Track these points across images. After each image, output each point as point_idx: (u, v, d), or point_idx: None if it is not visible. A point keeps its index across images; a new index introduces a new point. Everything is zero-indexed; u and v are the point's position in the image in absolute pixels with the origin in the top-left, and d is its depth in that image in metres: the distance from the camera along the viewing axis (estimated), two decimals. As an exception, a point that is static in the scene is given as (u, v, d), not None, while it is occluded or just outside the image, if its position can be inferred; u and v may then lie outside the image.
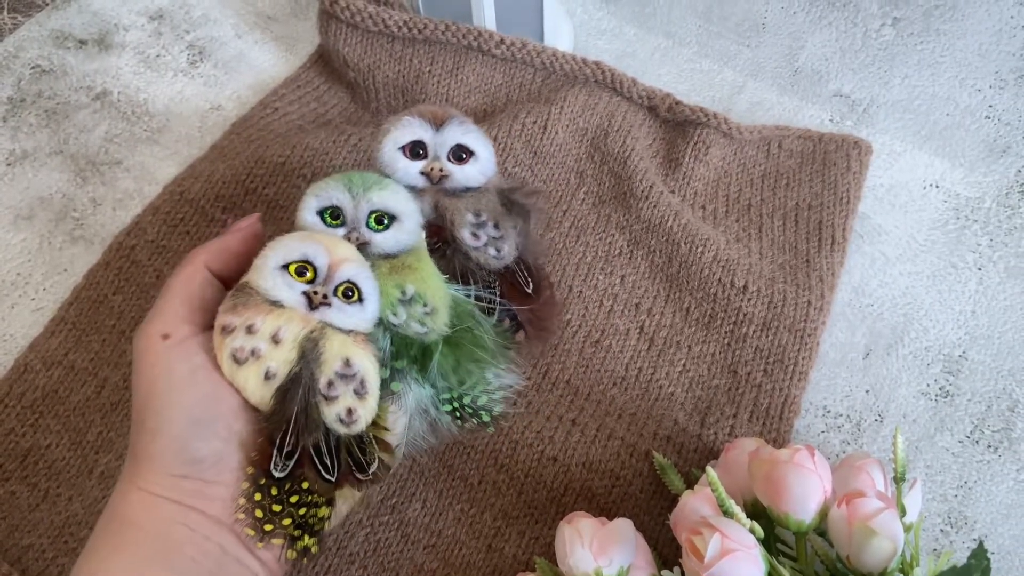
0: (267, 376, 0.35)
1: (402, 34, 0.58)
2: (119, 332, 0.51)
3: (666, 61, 0.66)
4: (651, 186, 0.55)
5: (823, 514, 0.38)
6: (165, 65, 0.65)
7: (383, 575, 0.45)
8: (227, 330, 0.36)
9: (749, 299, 0.51)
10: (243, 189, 0.55)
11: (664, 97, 0.58)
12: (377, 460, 0.37)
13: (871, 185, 0.58)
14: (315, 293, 0.36)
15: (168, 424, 0.35)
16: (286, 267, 0.36)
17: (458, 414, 0.41)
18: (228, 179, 0.55)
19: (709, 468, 0.37)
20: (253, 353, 0.35)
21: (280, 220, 0.54)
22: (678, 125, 0.58)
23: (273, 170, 0.55)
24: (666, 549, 0.45)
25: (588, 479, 0.46)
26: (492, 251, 0.42)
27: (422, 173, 0.43)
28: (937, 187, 0.59)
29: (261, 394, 0.36)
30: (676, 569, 0.40)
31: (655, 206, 0.54)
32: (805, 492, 0.38)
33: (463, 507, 0.46)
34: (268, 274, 0.36)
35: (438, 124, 0.43)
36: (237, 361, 0.35)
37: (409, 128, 0.43)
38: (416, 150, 0.43)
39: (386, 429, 0.38)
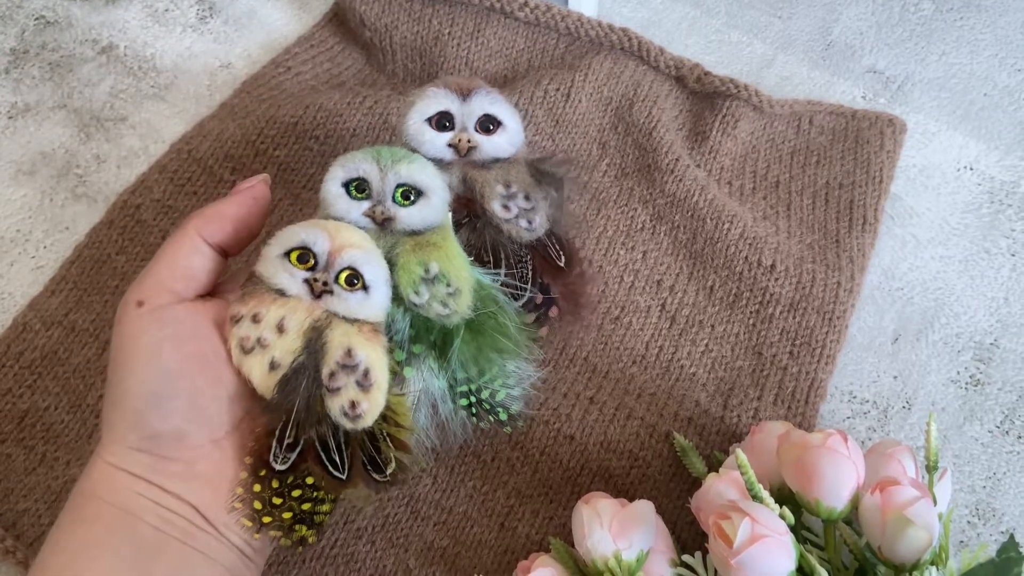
0: (272, 366, 0.35)
1: (422, -7, 0.56)
2: (121, 293, 0.48)
3: (693, 31, 0.63)
4: (676, 159, 0.53)
5: (855, 502, 0.37)
6: (174, 20, 0.62)
7: (391, 551, 0.43)
8: (235, 319, 0.35)
9: (776, 279, 0.49)
10: (253, 150, 0.52)
11: (693, 67, 0.56)
12: (393, 460, 0.35)
13: (903, 165, 0.56)
14: (315, 280, 0.35)
15: (126, 396, 0.34)
16: (288, 255, 0.36)
17: (474, 410, 0.39)
18: (238, 139, 0.53)
19: (739, 451, 0.35)
20: (259, 342, 0.35)
21: (291, 183, 0.52)
22: (706, 97, 0.56)
23: (285, 131, 0.53)
24: (684, 533, 0.43)
25: (606, 459, 0.45)
26: (524, 223, 0.41)
27: (449, 145, 0.42)
28: (971, 169, 0.57)
29: (267, 384, 0.35)
30: (698, 554, 0.39)
31: (680, 180, 0.52)
32: (838, 478, 0.36)
33: (475, 484, 0.45)
34: (270, 262, 0.36)
35: (464, 94, 0.42)
36: (243, 350, 0.35)
37: (435, 99, 0.41)
38: (443, 122, 0.42)
39: (403, 427, 0.36)
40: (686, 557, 0.39)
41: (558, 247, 0.42)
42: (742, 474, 0.35)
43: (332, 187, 0.38)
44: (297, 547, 0.36)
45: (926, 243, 0.54)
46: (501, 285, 0.40)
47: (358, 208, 0.38)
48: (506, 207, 0.41)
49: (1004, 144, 0.57)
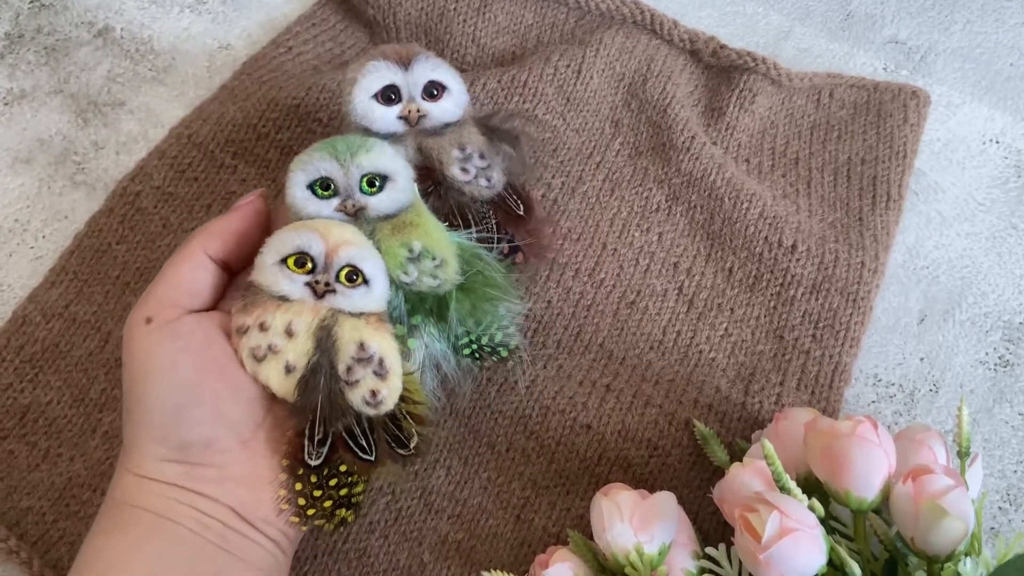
0: (288, 370, 0.35)
1: (426, -33, 0.54)
2: (123, 284, 0.48)
3: (707, 3, 0.61)
4: (692, 137, 0.51)
5: (886, 491, 0.35)
6: (171, 0, 0.60)
7: (405, 545, 0.42)
8: (242, 330, 0.36)
9: (798, 259, 0.48)
10: (255, 133, 0.51)
11: (708, 40, 0.54)
12: (415, 434, 0.37)
13: (927, 139, 0.54)
14: (316, 283, 0.36)
15: (151, 413, 0.34)
16: (284, 261, 0.36)
17: (477, 355, 0.41)
18: (239, 122, 0.51)
19: (765, 440, 0.34)
20: (270, 349, 0.35)
21: (294, 167, 0.51)
22: (722, 71, 0.54)
23: (287, 113, 0.51)
24: (706, 524, 0.42)
25: (624, 448, 0.43)
26: (483, 182, 0.42)
27: (399, 117, 0.42)
28: (997, 142, 0.55)
29: (286, 387, 0.36)
30: (721, 547, 0.38)
31: (697, 158, 0.51)
32: (868, 468, 0.35)
33: (490, 475, 0.43)
34: (268, 271, 0.36)
35: (406, 63, 0.42)
36: (256, 359, 0.35)
37: (378, 73, 0.41)
38: (388, 94, 0.41)
39: (418, 403, 0.38)
40: (710, 550, 0.37)
41: (516, 198, 0.43)
42: (769, 465, 0.34)
43: (297, 192, 0.38)
44: (338, 528, 0.37)
45: (951, 219, 0.52)
46: (476, 241, 0.41)
47: (328, 206, 0.38)
48: (464, 169, 0.42)
49: (1032, 116, 0.55)
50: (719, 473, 0.43)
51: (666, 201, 0.51)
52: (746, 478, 0.37)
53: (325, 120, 0.51)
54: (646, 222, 0.50)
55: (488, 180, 0.42)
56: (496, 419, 0.44)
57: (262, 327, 0.35)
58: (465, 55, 0.55)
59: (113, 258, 0.48)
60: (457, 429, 0.44)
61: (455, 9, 0.55)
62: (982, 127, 0.55)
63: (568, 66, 0.53)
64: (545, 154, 0.52)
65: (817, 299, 0.47)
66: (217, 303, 0.39)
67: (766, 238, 0.48)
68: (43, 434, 0.44)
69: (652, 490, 0.41)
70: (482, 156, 0.42)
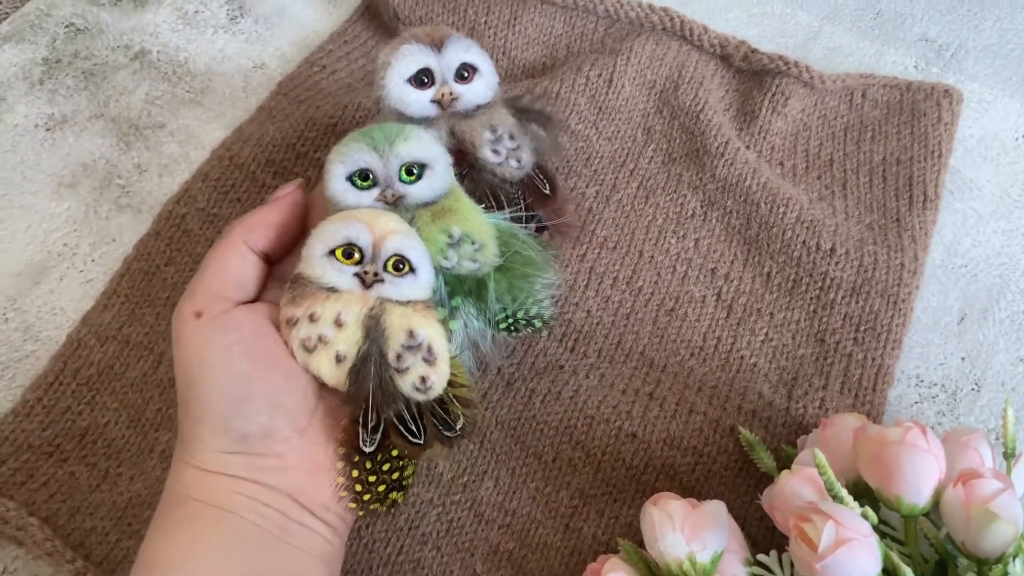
0: (338, 359, 0.36)
1: (456, -18, 0.54)
2: (172, 305, 0.49)
3: (734, 4, 0.61)
4: (726, 142, 0.51)
5: (936, 496, 0.36)
6: (204, 21, 0.61)
7: (457, 556, 0.43)
8: (291, 322, 0.36)
9: (837, 262, 0.48)
10: (294, 153, 0.52)
11: (739, 45, 0.54)
12: (461, 417, 0.37)
13: (960, 137, 0.54)
14: (365, 273, 0.36)
15: (209, 407, 0.35)
16: (332, 252, 0.36)
17: (513, 327, 0.41)
18: (278, 142, 0.52)
19: (817, 451, 0.34)
20: (320, 340, 0.36)
21: (333, 184, 0.52)
22: (754, 75, 0.54)
23: (324, 132, 0.52)
24: (754, 529, 0.43)
25: (670, 456, 0.44)
26: (513, 163, 0.42)
27: (432, 101, 0.42)
28: (1032, 138, 0.54)
29: (337, 377, 0.36)
30: (773, 553, 0.38)
31: (731, 164, 0.51)
32: (919, 474, 0.35)
33: (538, 485, 0.44)
34: (316, 262, 0.36)
35: (439, 46, 0.42)
36: (307, 350, 0.36)
37: (411, 56, 0.41)
38: (421, 78, 0.41)
39: (464, 386, 0.38)
40: (762, 557, 0.38)
41: (542, 177, 0.44)
42: (821, 474, 0.34)
43: (337, 184, 0.38)
44: (390, 510, 0.39)
45: (988, 217, 0.52)
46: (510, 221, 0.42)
47: (368, 196, 0.38)
48: (495, 151, 0.42)
49: (1066, 110, 0.55)
50: (765, 479, 0.43)
51: (701, 207, 0.51)
52: (796, 486, 0.37)
53: (362, 137, 0.52)
54: (682, 228, 0.51)
55: (518, 161, 0.43)
56: (542, 430, 0.45)
57: (312, 318, 0.35)
58: (496, 67, 0.55)
59: (162, 280, 0.49)
60: (504, 440, 0.45)
61: (485, 23, 0.55)
62: (1015, 123, 0.55)
63: (599, 75, 0.53)
64: (579, 163, 0.52)
65: (857, 302, 0.47)
66: (259, 294, 0.39)
67: (804, 242, 0.49)
68: (102, 455, 0.45)
69: (699, 497, 0.42)
70: (512, 137, 0.43)
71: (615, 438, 0.45)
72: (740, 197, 0.50)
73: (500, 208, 0.42)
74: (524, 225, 0.42)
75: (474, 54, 0.43)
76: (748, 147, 0.53)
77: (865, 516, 0.34)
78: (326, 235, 0.36)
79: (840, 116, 0.54)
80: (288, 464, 0.35)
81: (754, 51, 0.53)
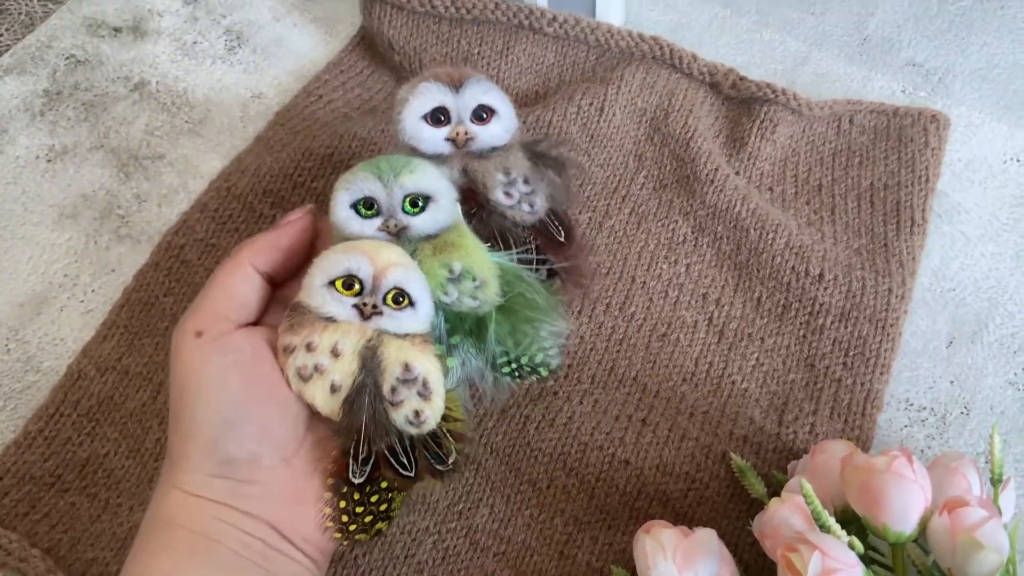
0: (333, 389, 0.36)
1: (449, 14, 0.55)
2: (171, 335, 0.49)
3: (724, 31, 0.62)
4: (716, 168, 0.52)
5: (923, 524, 0.36)
6: (203, 52, 0.62)
7: (453, 584, 0.43)
8: (288, 349, 0.36)
9: (825, 288, 0.49)
10: (291, 183, 0.53)
11: (727, 73, 0.55)
12: (454, 451, 0.37)
13: (948, 160, 0.55)
14: (364, 305, 0.36)
15: (200, 426, 0.35)
16: (332, 283, 0.36)
17: (516, 374, 0.41)
18: (275, 173, 0.53)
19: (804, 481, 0.35)
20: (316, 369, 0.36)
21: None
22: (742, 102, 0.55)
23: (321, 162, 0.53)
24: (746, 554, 0.43)
25: (663, 483, 0.45)
26: (526, 207, 0.42)
27: (447, 139, 0.42)
28: (1019, 161, 0.55)
29: (331, 407, 0.36)
30: (763, 580, 0.39)
31: (721, 190, 0.52)
32: (905, 503, 0.36)
33: (532, 512, 0.45)
34: (316, 292, 0.36)
35: (457, 86, 0.42)
36: (302, 378, 0.36)
37: (429, 94, 0.41)
38: (438, 116, 0.42)
39: (458, 420, 0.38)
40: (752, 583, 0.38)
41: (557, 224, 0.43)
42: (807, 504, 0.35)
43: (341, 211, 0.38)
44: (374, 539, 0.38)
45: (976, 240, 0.53)
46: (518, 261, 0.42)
47: (371, 226, 0.39)
48: (508, 194, 0.42)
49: (1052, 133, 0.56)
50: (757, 504, 0.44)
51: (692, 233, 0.52)
52: (785, 514, 0.38)
53: (358, 167, 0.53)
54: (673, 254, 0.51)
55: (531, 206, 0.42)
56: (536, 456, 0.46)
57: (309, 347, 0.36)
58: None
59: (161, 310, 0.50)
60: (498, 467, 0.45)
61: (479, 53, 0.56)
62: (1002, 146, 0.56)
63: (591, 104, 0.54)
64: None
65: (846, 327, 0.48)
66: (262, 316, 0.39)
67: (793, 267, 0.49)
68: (103, 486, 0.46)
69: (692, 524, 0.42)
70: (526, 181, 0.43)
71: (608, 464, 0.45)
72: (730, 223, 0.51)
73: (508, 250, 0.41)
74: (534, 268, 0.42)
75: (493, 96, 0.43)
76: (738, 173, 0.53)
77: (852, 546, 0.34)
78: (327, 265, 0.37)
79: (828, 142, 0.55)
80: (271, 493, 0.36)
81: (742, 79, 0.54)
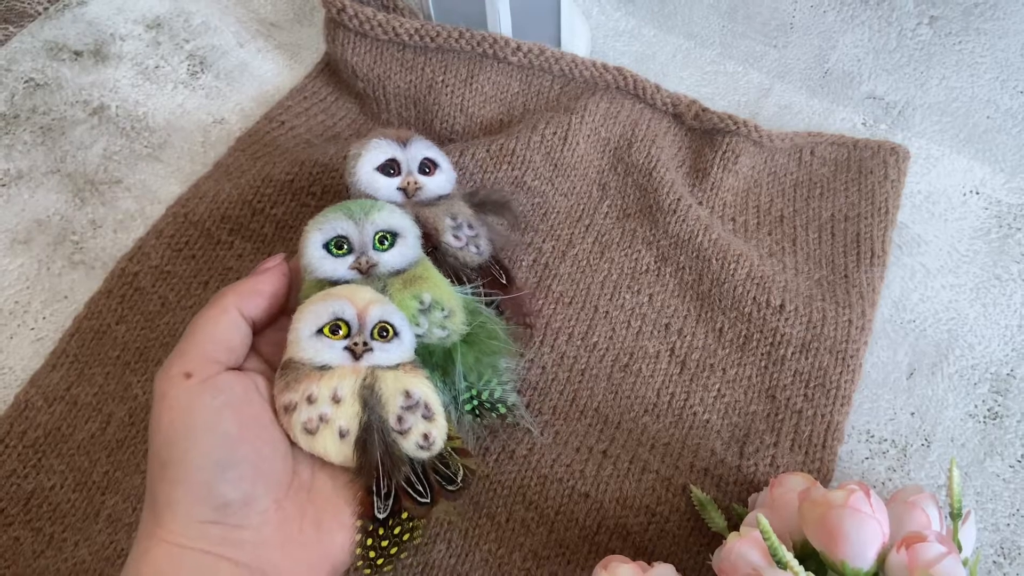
0: (341, 435, 0.37)
1: (413, 42, 0.55)
2: (123, 364, 0.48)
3: (688, 63, 0.63)
4: (679, 199, 0.52)
5: (881, 559, 0.36)
6: (164, 76, 0.62)
7: (408, 621, 0.42)
8: (290, 408, 0.37)
9: (786, 319, 0.48)
10: (250, 209, 0.52)
11: (690, 104, 0.55)
12: (461, 468, 0.39)
13: (908, 192, 0.56)
14: (355, 345, 0.38)
15: (190, 470, 0.34)
16: (320, 331, 0.38)
17: (477, 412, 0.43)
18: (234, 199, 0.52)
19: (760, 515, 0.34)
20: (322, 419, 0.37)
21: (289, 240, 0.52)
22: (705, 133, 0.55)
23: (281, 188, 0.52)
24: (706, 589, 0.43)
25: (622, 516, 0.44)
26: (473, 248, 0.46)
27: (399, 188, 0.45)
28: (978, 194, 0.56)
29: (343, 453, 0.37)
30: (722, 617, 0.38)
31: (683, 220, 0.52)
32: (863, 539, 0.35)
33: (491, 547, 0.44)
34: (306, 344, 0.37)
35: (403, 142, 0.46)
36: (310, 432, 0.37)
37: (380, 148, 0.45)
38: (389, 168, 0.45)
39: (456, 438, 0.40)
40: (710, 621, 0.38)
41: (499, 268, 0.47)
42: (764, 539, 0.34)
43: (314, 252, 0.40)
44: (392, 567, 0.39)
45: (936, 272, 0.53)
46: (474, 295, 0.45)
47: (343, 264, 0.41)
48: (456, 236, 0.45)
49: (1009, 166, 0.56)
50: (718, 538, 0.43)
51: (655, 263, 0.52)
52: (743, 549, 0.37)
53: (319, 194, 0.52)
54: (636, 284, 0.51)
55: (477, 247, 0.46)
56: (495, 489, 0.45)
57: (310, 400, 0.36)
58: (454, 124, 0.56)
59: (113, 339, 0.49)
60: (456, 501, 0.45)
61: (443, 81, 0.56)
62: (962, 179, 0.56)
63: (555, 133, 0.54)
64: (535, 218, 0.53)
65: (807, 358, 0.48)
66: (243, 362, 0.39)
67: (754, 298, 0.49)
68: (47, 519, 0.44)
69: (652, 558, 0.42)
70: (470, 226, 0.46)
71: (568, 498, 0.44)
72: (692, 253, 0.51)
73: (462, 286, 0.45)
74: (486, 303, 0.45)
75: (434, 152, 0.47)
76: (700, 203, 0.54)
77: (808, 582, 0.34)
78: (312, 316, 0.38)
79: (789, 173, 0.55)
80: (263, 538, 0.35)
81: (705, 110, 0.55)
